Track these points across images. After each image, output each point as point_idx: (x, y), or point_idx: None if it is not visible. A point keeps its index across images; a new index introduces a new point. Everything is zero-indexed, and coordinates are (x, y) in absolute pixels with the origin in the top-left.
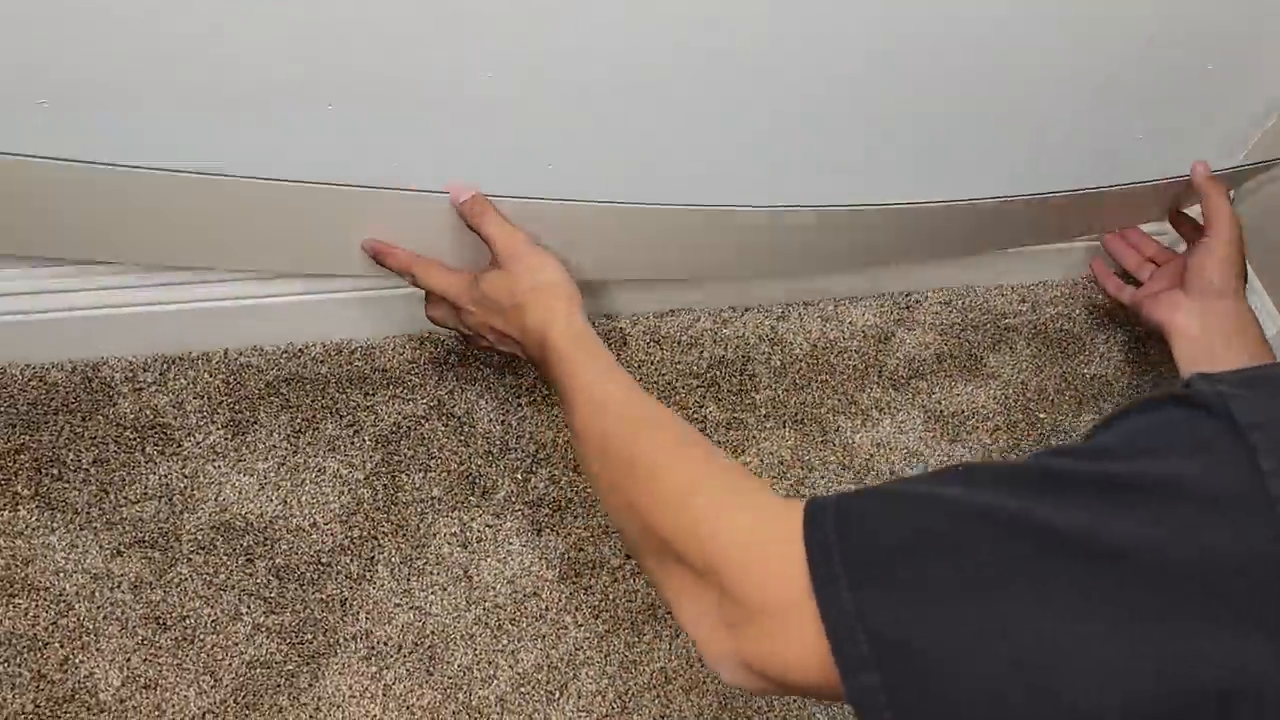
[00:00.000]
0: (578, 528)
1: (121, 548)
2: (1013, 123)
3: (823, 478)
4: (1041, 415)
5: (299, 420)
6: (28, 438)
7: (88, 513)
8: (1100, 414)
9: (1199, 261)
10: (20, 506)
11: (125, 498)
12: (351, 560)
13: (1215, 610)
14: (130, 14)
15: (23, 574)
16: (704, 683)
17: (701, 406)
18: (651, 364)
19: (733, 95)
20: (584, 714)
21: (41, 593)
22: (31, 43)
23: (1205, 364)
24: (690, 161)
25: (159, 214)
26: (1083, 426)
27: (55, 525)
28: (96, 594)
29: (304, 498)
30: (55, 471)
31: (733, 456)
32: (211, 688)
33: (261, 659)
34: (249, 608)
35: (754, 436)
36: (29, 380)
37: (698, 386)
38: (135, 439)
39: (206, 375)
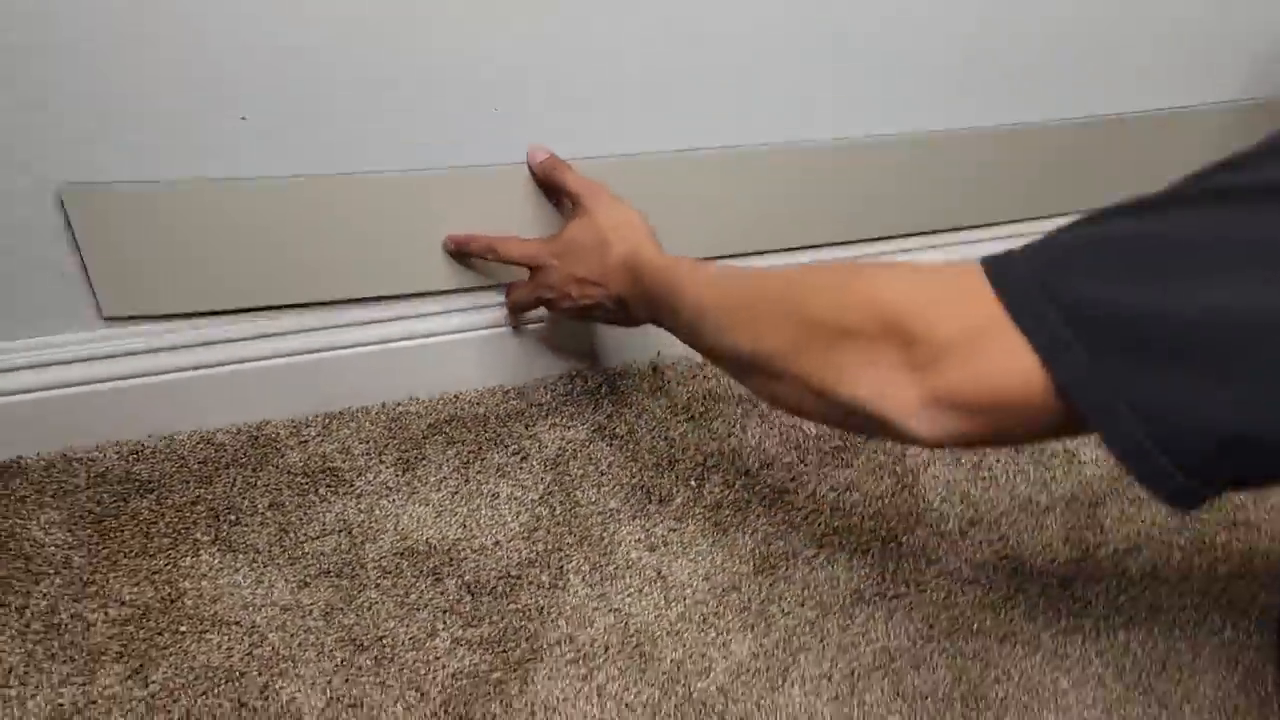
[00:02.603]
0: (763, 524)
1: (307, 579)
2: None
3: (998, 460)
4: None
5: (465, 453)
6: (202, 491)
7: (269, 551)
8: None
9: None
10: (202, 551)
11: (305, 535)
12: (541, 571)
13: None
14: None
15: (211, 611)
16: (932, 658)
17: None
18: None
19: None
20: (813, 697)
21: (233, 626)
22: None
23: None
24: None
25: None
26: None
27: (239, 565)
28: (288, 623)
29: (482, 520)
30: (233, 518)
31: (900, 446)
32: (419, 701)
33: (466, 670)
34: (445, 623)
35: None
36: (197, 444)
37: None
38: (307, 483)
39: (368, 424)
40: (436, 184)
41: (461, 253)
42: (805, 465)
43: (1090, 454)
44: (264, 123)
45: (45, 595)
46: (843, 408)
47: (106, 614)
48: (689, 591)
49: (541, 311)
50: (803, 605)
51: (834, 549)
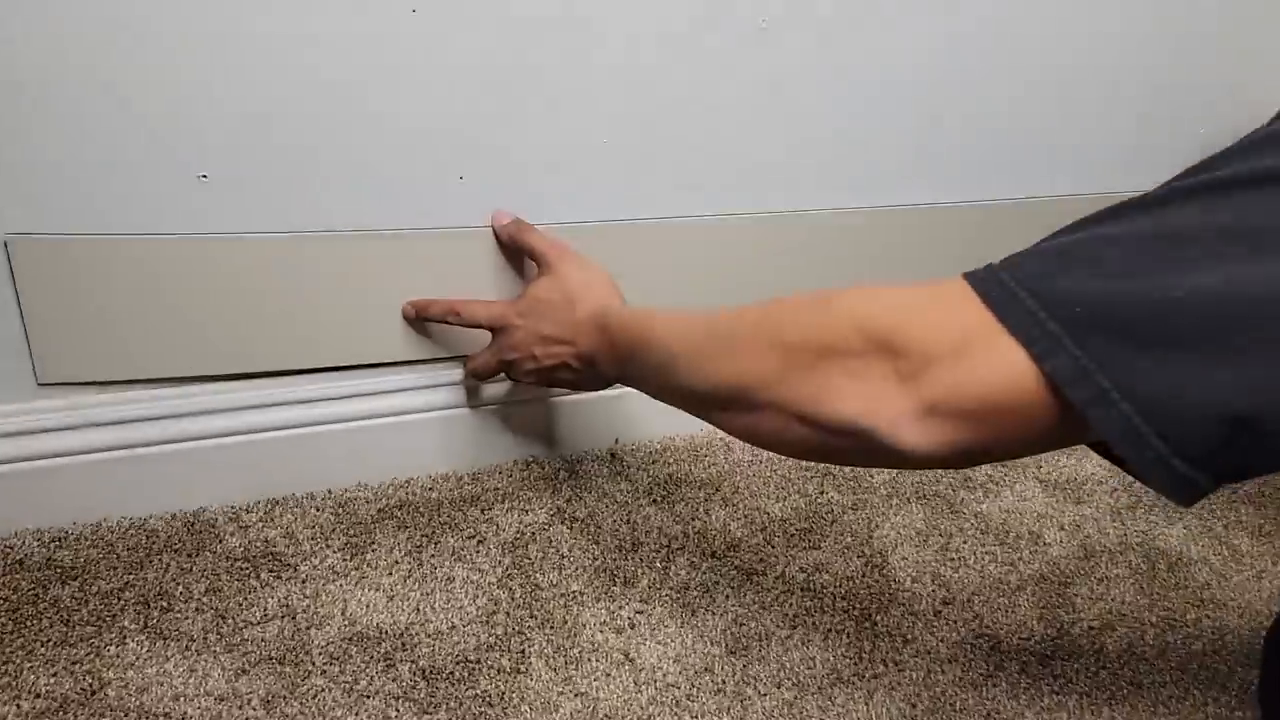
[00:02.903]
0: (732, 605)
1: (246, 666)
2: None
3: (965, 543)
4: None
5: (418, 537)
6: (131, 577)
7: (204, 639)
8: None
9: None
10: (129, 640)
11: (244, 620)
12: (501, 655)
13: None
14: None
15: (137, 702)
16: None
17: (822, 494)
18: (762, 461)
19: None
20: None
21: (160, 719)
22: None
23: None
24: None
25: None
26: None
27: (170, 653)
28: (224, 714)
29: (437, 604)
30: (164, 604)
31: (864, 529)
32: None
33: None
34: (398, 710)
35: (884, 514)
36: (127, 530)
37: (813, 477)
38: (247, 568)
39: (314, 510)
40: (397, 246)
41: (422, 318)
42: (772, 547)
43: (1054, 536)
44: (225, 181)
45: None
46: (829, 429)
47: (18, 707)
48: (659, 674)
49: (496, 391)
50: (779, 686)
51: (808, 629)
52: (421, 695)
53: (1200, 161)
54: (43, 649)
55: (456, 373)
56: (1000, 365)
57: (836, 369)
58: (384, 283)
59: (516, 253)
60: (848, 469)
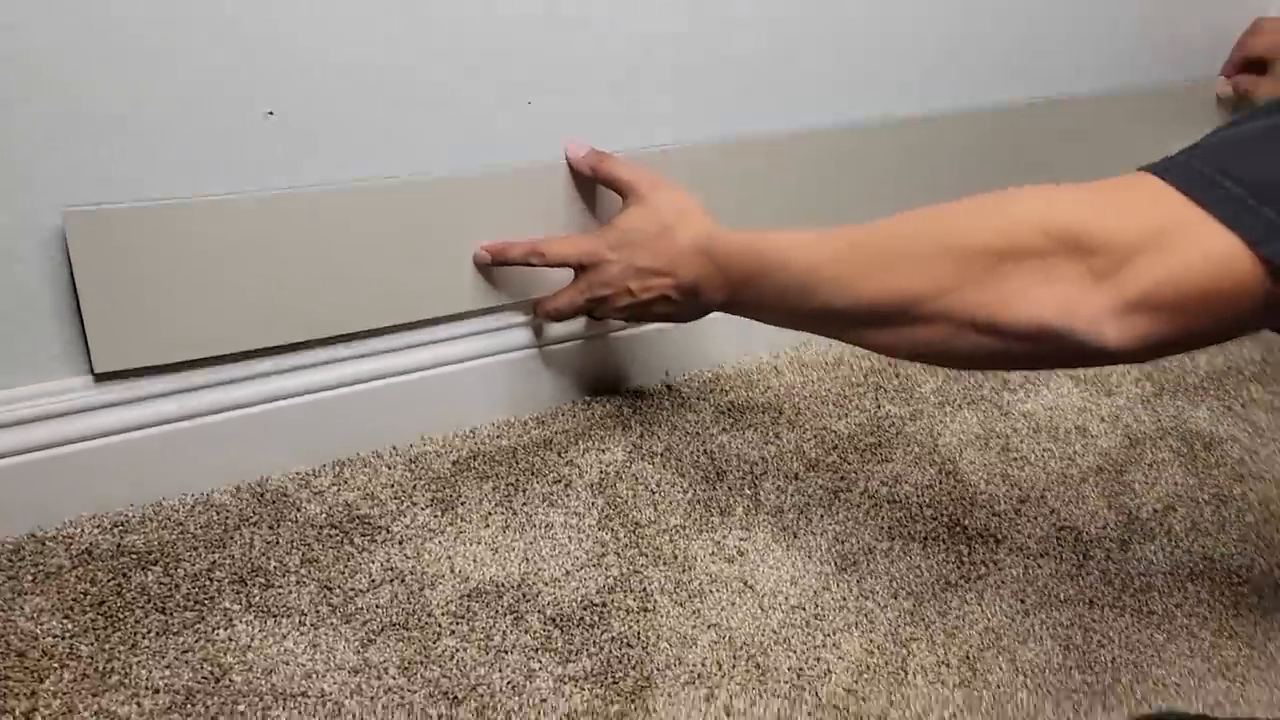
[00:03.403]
0: (829, 524)
1: (370, 635)
2: None
3: (1022, 442)
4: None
5: (504, 486)
6: (216, 556)
7: (316, 611)
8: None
9: None
10: (236, 621)
11: (352, 588)
12: (625, 595)
13: None
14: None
15: (268, 685)
16: (1035, 631)
17: (879, 408)
18: (814, 382)
19: None
20: (938, 685)
21: (299, 699)
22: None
23: None
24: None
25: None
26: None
27: (285, 631)
28: (363, 686)
29: (544, 552)
30: (262, 580)
31: (928, 437)
32: None
33: (580, 709)
34: (540, 662)
35: (942, 421)
36: (193, 507)
37: (866, 392)
38: (337, 535)
39: (385, 469)
40: (464, 189)
41: (499, 261)
42: (849, 464)
43: (1098, 428)
44: (290, 129)
45: (57, 694)
46: (1014, 334)
47: (140, 706)
48: (781, 598)
49: (555, 332)
50: (896, 597)
51: (905, 539)
52: (559, 644)
53: None
54: (146, 641)
55: (513, 317)
56: (1212, 254)
57: (1024, 274)
58: (449, 231)
59: (589, 185)
60: (895, 382)
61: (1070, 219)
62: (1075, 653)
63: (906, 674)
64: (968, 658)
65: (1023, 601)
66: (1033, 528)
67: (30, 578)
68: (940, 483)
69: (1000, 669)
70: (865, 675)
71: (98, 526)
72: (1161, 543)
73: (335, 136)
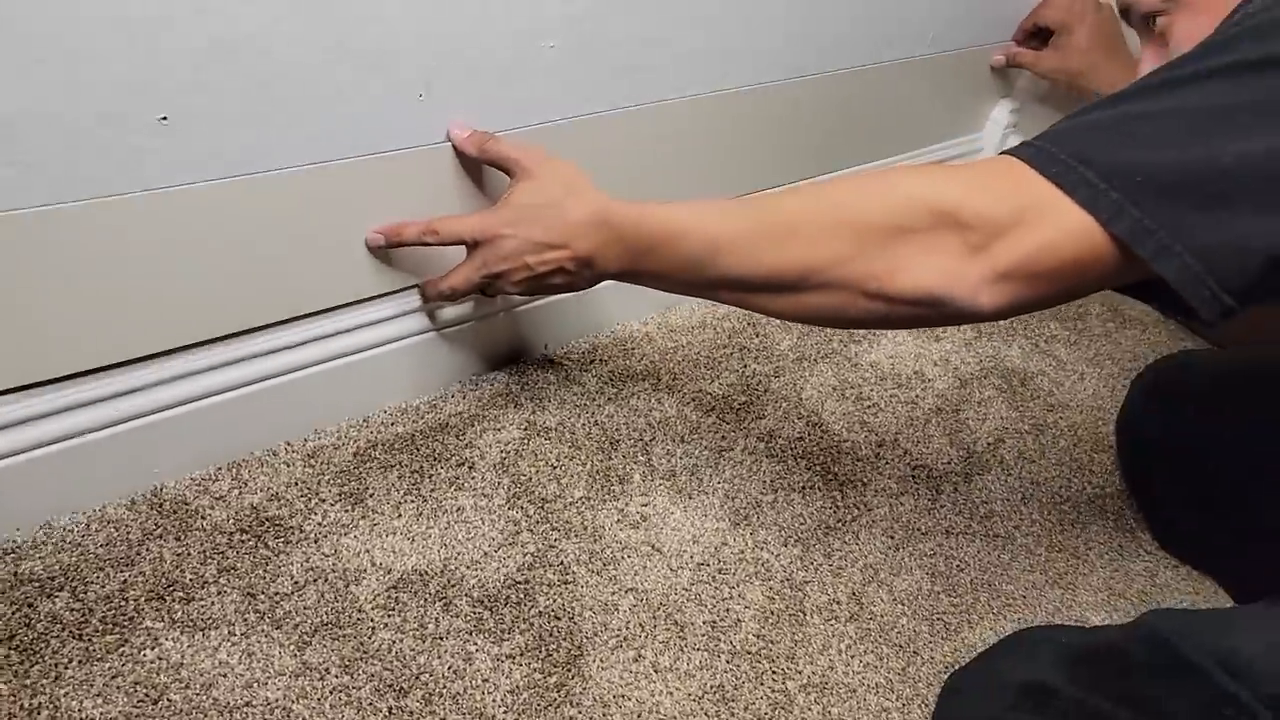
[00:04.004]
0: (718, 482)
1: (304, 638)
2: None
3: (873, 390)
4: None
5: (409, 474)
6: (126, 574)
7: (245, 620)
8: None
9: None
10: (162, 639)
11: (277, 593)
12: (545, 570)
13: None
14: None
15: (210, 699)
16: (906, 563)
17: (746, 367)
18: (680, 348)
19: None
20: (835, 620)
21: (245, 710)
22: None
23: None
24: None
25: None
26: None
27: (216, 643)
28: (308, 689)
29: (460, 536)
30: (181, 594)
31: (793, 392)
32: None
33: (522, 684)
34: (476, 644)
35: (802, 376)
36: (88, 525)
37: (732, 354)
38: (249, 540)
39: (284, 467)
40: (352, 175)
41: (394, 244)
42: (727, 424)
43: (933, 371)
44: (183, 126)
45: None
46: (902, 301)
47: None
48: (687, 556)
49: (444, 315)
50: (786, 545)
51: (787, 490)
52: (490, 625)
53: (1198, 48)
54: (70, 671)
55: (404, 303)
56: (1069, 230)
57: (910, 247)
58: (335, 221)
59: (475, 165)
60: (755, 341)
61: (949, 198)
62: (940, 579)
63: (805, 615)
64: (854, 594)
65: (892, 538)
66: (891, 469)
67: None
68: (809, 434)
69: (881, 600)
70: (770, 620)
71: None
72: (997, 473)
73: (212, 132)
